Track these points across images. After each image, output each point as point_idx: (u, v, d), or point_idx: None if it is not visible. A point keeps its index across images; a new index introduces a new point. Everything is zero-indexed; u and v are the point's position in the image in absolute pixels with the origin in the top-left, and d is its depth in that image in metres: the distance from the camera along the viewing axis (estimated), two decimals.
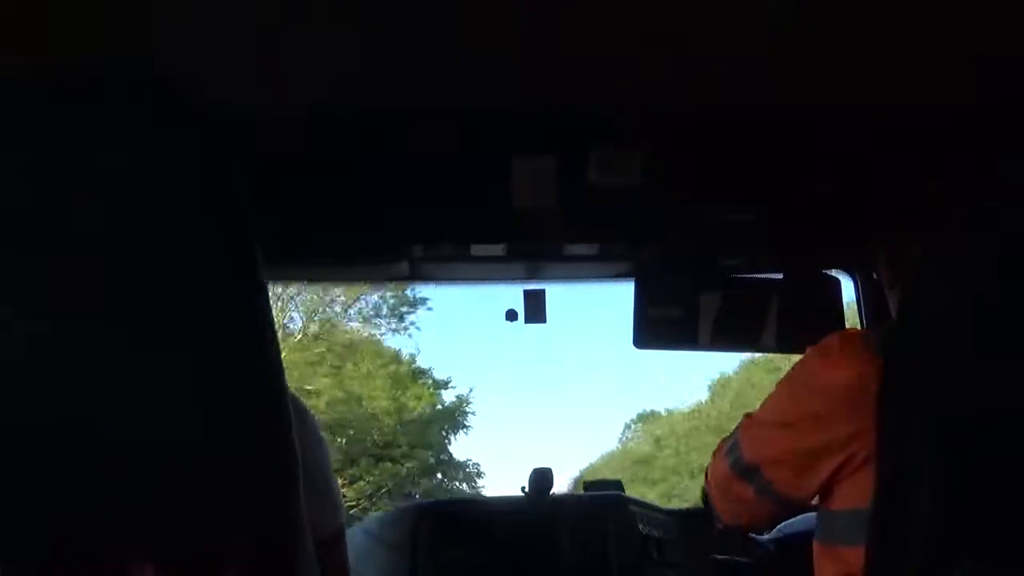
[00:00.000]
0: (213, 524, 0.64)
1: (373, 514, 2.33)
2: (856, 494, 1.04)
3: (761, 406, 1.22)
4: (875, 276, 1.75)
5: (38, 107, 0.63)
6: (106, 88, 0.65)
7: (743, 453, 1.19)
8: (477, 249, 1.67)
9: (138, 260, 0.63)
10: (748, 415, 1.24)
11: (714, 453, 1.29)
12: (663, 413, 20.60)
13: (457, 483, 18.31)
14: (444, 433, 17.96)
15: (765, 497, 1.17)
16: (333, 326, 14.80)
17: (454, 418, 18.15)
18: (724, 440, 1.27)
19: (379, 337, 15.49)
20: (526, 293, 1.80)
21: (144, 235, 0.64)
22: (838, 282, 1.79)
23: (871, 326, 1.82)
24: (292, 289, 12.28)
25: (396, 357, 16.00)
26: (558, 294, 1.85)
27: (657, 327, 1.74)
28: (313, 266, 1.76)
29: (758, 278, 1.78)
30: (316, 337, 14.13)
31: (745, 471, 1.18)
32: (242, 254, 0.68)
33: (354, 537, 2.20)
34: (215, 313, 0.66)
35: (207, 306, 0.65)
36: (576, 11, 0.96)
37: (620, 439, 21.60)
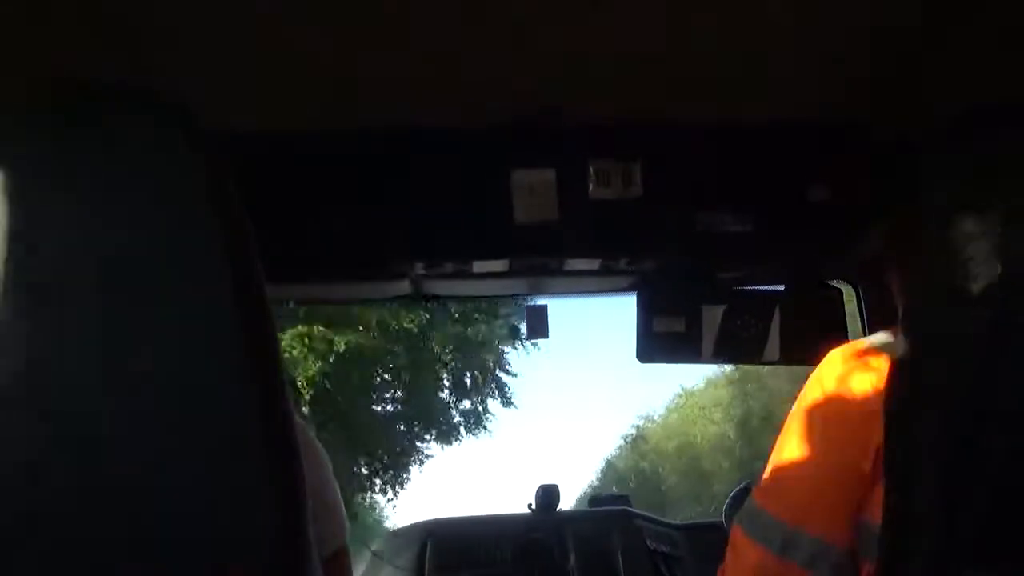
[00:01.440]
0: (218, 536, 0.64)
1: (381, 536, 2.32)
2: (864, 509, 1.02)
3: (773, 461, 1.08)
4: (884, 284, 1.74)
5: (37, 126, 0.64)
6: (107, 109, 0.65)
7: (776, 523, 1.04)
8: (479, 265, 1.67)
9: (142, 278, 0.64)
10: (758, 488, 1.09)
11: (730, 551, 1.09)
12: None
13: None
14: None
15: (818, 566, 1.01)
16: None
17: None
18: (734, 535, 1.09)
19: None
20: (528, 309, 1.80)
21: (147, 254, 0.64)
22: (840, 292, 1.79)
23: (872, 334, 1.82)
24: None
25: None
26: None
27: (660, 341, 1.74)
28: (314, 285, 1.76)
29: (760, 290, 1.78)
30: None
31: (786, 545, 1.02)
32: (245, 271, 0.68)
33: (362, 558, 2.19)
34: (219, 331, 0.66)
35: (211, 323, 0.66)
36: (574, 25, 0.96)
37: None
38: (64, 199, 0.63)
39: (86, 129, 0.64)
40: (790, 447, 1.07)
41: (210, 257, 0.66)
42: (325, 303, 1.96)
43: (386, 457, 13.25)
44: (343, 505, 1.14)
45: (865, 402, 1.01)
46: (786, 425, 1.10)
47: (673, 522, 2.33)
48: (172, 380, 0.64)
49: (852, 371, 1.05)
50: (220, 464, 0.64)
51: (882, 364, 1.00)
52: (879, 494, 1.00)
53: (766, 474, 1.09)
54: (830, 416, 1.04)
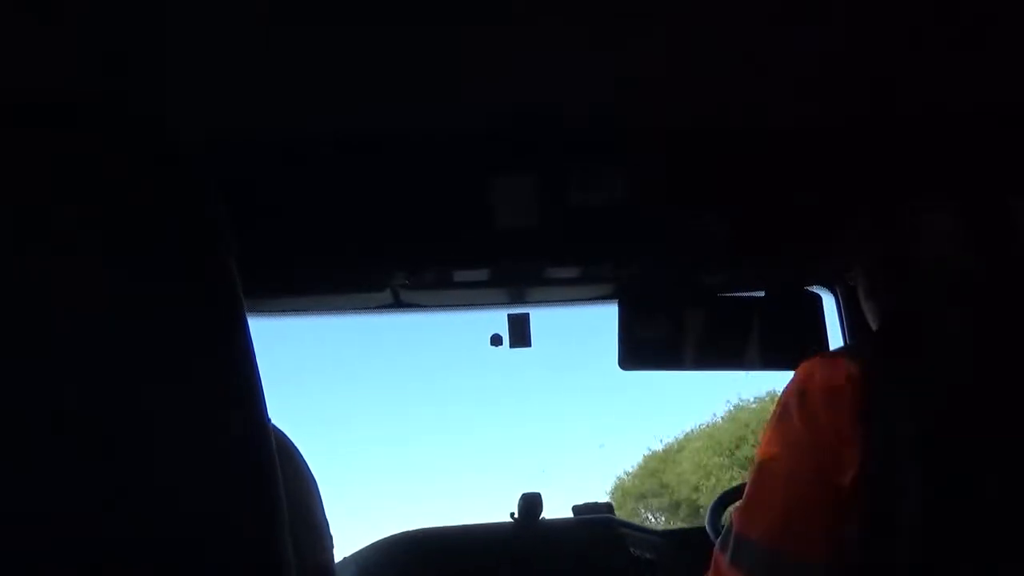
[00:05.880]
0: (188, 552, 0.63)
1: (362, 547, 2.29)
2: (844, 522, 1.01)
3: (751, 477, 1.07)
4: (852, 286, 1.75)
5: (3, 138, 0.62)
6: (77, 119, 0.64)
7: (757, 548, 1.01)
8: (460, 275, 1.66)
9: (116, 293, 0.63)
10: (738, 509, 1.07)
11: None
12: None
13: None
14: None
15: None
16: None
17: None
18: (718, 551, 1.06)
19: None
20: (510, 318, 1.79)
21: (121, 269, 0.63)
22: (819, 298, 1.80)
23: (851, 339, 1.83)
24: None
25: None
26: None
27: (642, 348, 1.74)
28: (293, 297, 1.75)
29: (741, 296, 1.79)
30: None
31: (769, 572, 1.00)
32: (223, 286, 0.67)
33: (343, 570, 2.17)
34: (193, 345, 0.65)
35: (185, 338, 0.64)
36: (552, 29, 0.96)
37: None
38: (27, 212, 0.62)
39: (54, 142, 0.62)
40: (766, 463, 1.05)
41: (187, 270, 0.65)
42: (303, 315, 1.94)
43: None
44: (327, 521, 1.13)
45: (840, 412, 0.99)
46: (762, 439, 1.07)
47: (656, 529, 2.33)
48: (143, 395, 0.62)
49: (827, 380, 1.02)
50: (192, 481, 0.63)
51: (858, 371, 0.99)
52: (859, 505, 0.98)
53: (746, 491, 1.07)
54: (804, 429, 1.01)
